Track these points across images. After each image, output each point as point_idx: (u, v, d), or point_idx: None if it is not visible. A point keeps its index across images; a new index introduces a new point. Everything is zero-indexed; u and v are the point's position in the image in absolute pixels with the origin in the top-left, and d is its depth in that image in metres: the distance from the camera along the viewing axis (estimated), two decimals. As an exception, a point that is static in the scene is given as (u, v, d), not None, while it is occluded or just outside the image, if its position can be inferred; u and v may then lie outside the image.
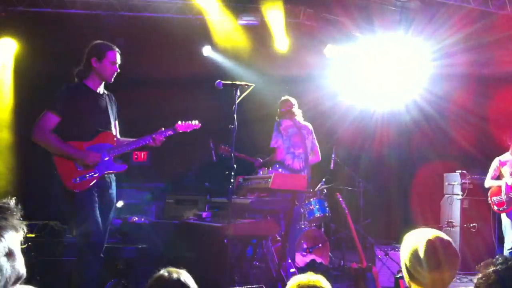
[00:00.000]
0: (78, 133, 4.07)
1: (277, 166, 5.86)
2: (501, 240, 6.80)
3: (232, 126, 4.30)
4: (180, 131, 4.53)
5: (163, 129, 4.42)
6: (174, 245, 5.19)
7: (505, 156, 6.66)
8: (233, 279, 4.87)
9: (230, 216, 4.24)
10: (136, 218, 5.80)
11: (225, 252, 4.91)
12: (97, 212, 4.00)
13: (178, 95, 8.49)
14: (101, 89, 4.28)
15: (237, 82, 4.40)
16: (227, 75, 8.38)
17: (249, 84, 4.45)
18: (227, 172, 4.22)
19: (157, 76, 7.92)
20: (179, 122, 4.53)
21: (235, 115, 4.27)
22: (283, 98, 6.25)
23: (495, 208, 6.59)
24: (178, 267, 2.18)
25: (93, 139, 4.10)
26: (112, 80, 4.25)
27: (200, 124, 4.63)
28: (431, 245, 2.18)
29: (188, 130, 4.59)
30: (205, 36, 8.69)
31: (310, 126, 6.11)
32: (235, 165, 4.26)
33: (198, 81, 8.00)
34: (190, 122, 4.58)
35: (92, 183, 3.99)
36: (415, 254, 2.19)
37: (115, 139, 4.26)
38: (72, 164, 3.97)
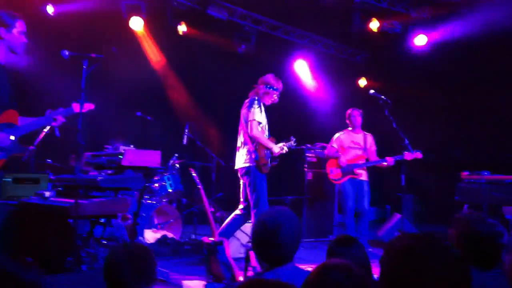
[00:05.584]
0: None
1: None
2: (340, 208, 7.39)
3: (79, 100, 4.06)
4: (77, 111, 4.19)
5: (62, 108, 4.05)
6: (12, 228, 4.77)
7: (344, 132, 7.27)
8: (80, 259, 4.64)
9: (77, 195, 4.01)
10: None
11: (71, 233, 4.66)
12: None
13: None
14: None
15: (86, 54, 4.13)
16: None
17: (99, 56, 4.19)
18: (74, 149, 3.99)
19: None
20: (76, 102, 4.19)
21: (83, 89, 4.03)
22: None
23: (332, 178, 7.16)
24: (19, 250, 2.00)
25: None
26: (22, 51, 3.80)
27: (94, 105, 4.34)
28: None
29: (84, 111, 4.26)
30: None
31: (248, 100, 5.77)
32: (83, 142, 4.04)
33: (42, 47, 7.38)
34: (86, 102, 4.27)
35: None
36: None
37: (18, 117, 3.83)
38: None
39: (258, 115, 5.59)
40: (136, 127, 8.44)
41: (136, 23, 8.69)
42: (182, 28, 9.22)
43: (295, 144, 5.94)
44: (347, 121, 7.28)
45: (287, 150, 5.83)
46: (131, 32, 8.90)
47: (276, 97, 5.84)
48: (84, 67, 4.11)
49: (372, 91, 6.66)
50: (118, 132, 7.41)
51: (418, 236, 1.78)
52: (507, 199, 6.57)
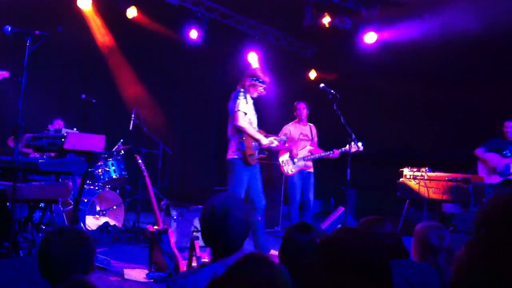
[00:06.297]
0: None
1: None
2: (287, 200, 7.43)
3: (21, 79, 3.87)
4: None
5: None
6: None
7: (293, 124, 7.33)
8: (17, 244, 4.47)
9: (15, 178, 3.84)
10: None
11: (7, 217, 4.47)
12: None
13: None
14: None
15: (30, 30, 3.93)
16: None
17: (44, 33, 4.00)
18: (13, 130, 3.81)
19: None
20: None
21: (25, 68, 3.83)
22: None
23: (284, 170, 7.20)
24: None
25: None
26: None
27: (9, 73, 4.09)
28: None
29: None
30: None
31: (234, 92, 5.72)
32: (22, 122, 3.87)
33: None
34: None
35: None
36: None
37: None
38: None
39: (243, 106, 5.56)
40: (80, 110, 8.18)
41: (84, 2, 8.39)
42: (131, 12, 8.98)
43: (285, 139, 5.98)
44: (295, 114, 7.35)
45: (278, 144, 5.87)
46: (78, 11, 8.58)
47: (262, 90, 5.82)
48: (27, 44, 3.92)
49: (322, 85, 6.70)
50: (61, 114, 7.15)
51: (354, 231, 1.86)
52: (447, 196, 6.81)
